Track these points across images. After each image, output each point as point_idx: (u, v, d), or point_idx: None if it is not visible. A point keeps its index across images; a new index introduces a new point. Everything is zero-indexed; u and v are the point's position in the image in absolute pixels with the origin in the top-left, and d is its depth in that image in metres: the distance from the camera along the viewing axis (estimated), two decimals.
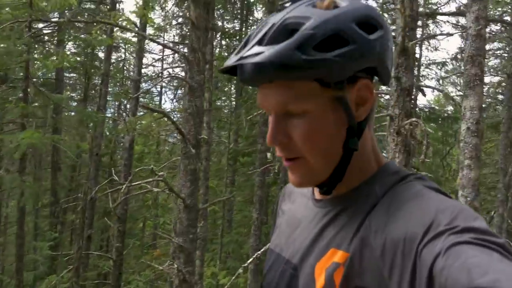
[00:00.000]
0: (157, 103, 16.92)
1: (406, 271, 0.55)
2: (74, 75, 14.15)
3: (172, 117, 8.06)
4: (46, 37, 10.32)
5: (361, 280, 0.62)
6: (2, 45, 6.63)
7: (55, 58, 7.39)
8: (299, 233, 0.79)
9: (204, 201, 8.34)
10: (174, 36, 14.56)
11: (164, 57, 15.22)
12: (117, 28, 8.53)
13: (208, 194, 9.26)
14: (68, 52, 10.36)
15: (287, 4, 0.71)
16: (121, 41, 11.81)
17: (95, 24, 7.09)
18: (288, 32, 0.64)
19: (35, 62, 7.63)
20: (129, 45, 12.93)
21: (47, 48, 9.74)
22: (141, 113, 11.18)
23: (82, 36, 10.21)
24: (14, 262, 8.26)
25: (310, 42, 0.62)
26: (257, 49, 0.64)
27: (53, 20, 7.04)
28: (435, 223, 0.55)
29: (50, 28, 9.45)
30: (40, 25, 8.55)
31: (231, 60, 0.67)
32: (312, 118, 0.67)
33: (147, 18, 8.57)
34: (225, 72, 0.71)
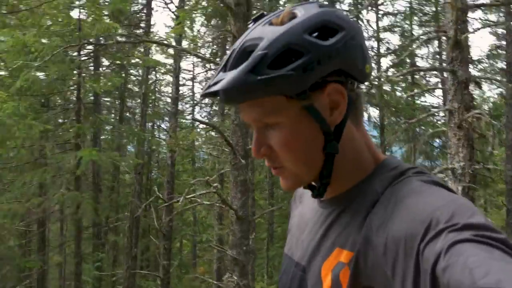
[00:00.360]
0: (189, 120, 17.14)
1: (409, 270, 0.55)
2: (109, 98, 14.55)
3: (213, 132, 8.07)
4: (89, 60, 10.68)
5: (367, 280, 0.63)
6: (54, 70, 6.90)
7: (103, 80, 7.62)
8: (306, 235, 0.80)
9: (251, 213, 8.29)
10: (205, 54, 14.87)
11: (195, 75, 15.51)
12: (154, 48, 8.74)
13: (255, 206, 9.20)
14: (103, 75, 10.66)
15: (250, 25, 0.73)
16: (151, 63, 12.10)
17: (140, 44, 7.27)
18: (246, 55, 0.67)
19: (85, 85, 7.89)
20: (159, 67, 13.24)
21: (91, 72, 10.07)
22: (179, 129, 11.33)
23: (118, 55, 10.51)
24: (72, 281, 8.33)
25: (263, 62, 0.65)
26: (221, 75, 0.68)
27: (102, 42, 7.26)
28: (435, 220, 0.55)
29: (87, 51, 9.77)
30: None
31: (204, 88, 0.71)
32: (285, 129, 0.69)
33: (184, 35, 8.76)
34: (207, 97, 0.81)
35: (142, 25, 11.69)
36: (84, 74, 8.29)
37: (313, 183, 0.76)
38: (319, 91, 0.69)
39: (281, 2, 10.95)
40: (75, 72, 6.95)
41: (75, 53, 7.88)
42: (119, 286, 9.91)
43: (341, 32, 0.68)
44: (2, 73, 7.13)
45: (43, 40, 6.92)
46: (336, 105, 0.70)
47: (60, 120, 7.93)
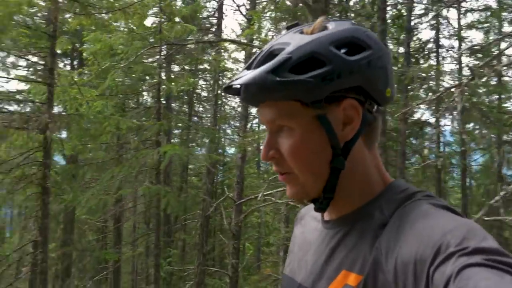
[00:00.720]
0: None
1: None
2: (178, 103, 15.15)
3: None
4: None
5: None
6: (138, 70, 7.29)
7: (181, 81, 7.95)
8: (310, 256, 0.79)
9: None
10: None
11: None
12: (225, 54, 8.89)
13: None
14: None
15: (283, 32, 0.76)
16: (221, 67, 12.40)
17: (212, 47, 7.45)
18: (272, 57, 0.69)
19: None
20: (226, 72, 13.54)
21: (169, 73, 10.56)
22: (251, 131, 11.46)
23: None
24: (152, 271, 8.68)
25: (285, 65, 0.66)
26: (245, 72, 0.70)
27: (183, 43, 7.59)
28: (445, 244, 0.54)
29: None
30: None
31: (228, 83, 0.73)
32: (296, 135, 0.70)
33: (256, 36, 8.87)
34: (229, 93, 0.77)
35: (213, 29, 12.03)
36: (163, 75, 8.74)
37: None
38: (335, 104, 0.69)
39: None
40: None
41: (156, 56, 8.28)
42: (189, 282, 10.18)
43: (367, 51, 0.69)
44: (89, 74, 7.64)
45: (126, 43, 7.34)
46: (350, 121, 0.70)
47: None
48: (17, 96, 8.04)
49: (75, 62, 11.77)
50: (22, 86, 7.02)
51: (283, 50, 0.68)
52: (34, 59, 7.03)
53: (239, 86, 0.71)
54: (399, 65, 9.93)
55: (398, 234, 0.63)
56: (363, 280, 0.64)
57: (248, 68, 0.71)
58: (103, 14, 5.87)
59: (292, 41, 0.69)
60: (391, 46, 10.85)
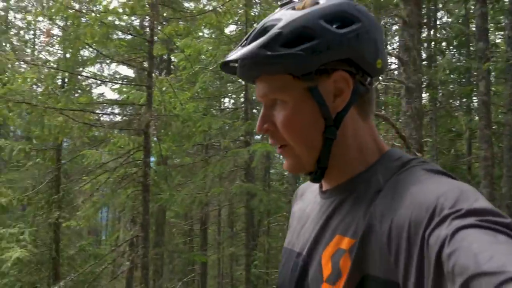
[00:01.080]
0: None
1: (413, 257, 0.56)
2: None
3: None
4: None
5: (368, 268, 0.63)
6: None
7: None
8: (307, 226, 0.82)
9: None
10: None
11: None
12: None
13: None
14: None
15: (277, 10, 0.77)
16: None
17: None
18: (265, 33, 0.71)
19: None
20: None
21: None
22: None
23: None
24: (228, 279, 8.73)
25: (277, 40, 0.69)
26: (238, 49, 0.74)
27: None
28: (439, 207, 0.56)
29: None
30: None
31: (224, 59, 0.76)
32: (289, 107, 0.72)
33: None
34: (226, 71, 0.81)
35: None
36: None
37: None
38: (325, 76, 0.71)
39: None
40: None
41: None
42: (272, 286, 10.15)
43: (356, 24, 0.71)
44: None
45: (214, 46, 7.58)
46: (340, 93, 0.72)
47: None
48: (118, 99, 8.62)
49: (160, 67, 12.46)
50: (121, 92, 7.51)
51: (275, 26, 0.70)
52: (130, 65, 7.55)
53: (234, 61, 0.73)
54: (499, 51, 9.08)
55: (393, 199, 0.64)
56: (356, 243, 0.65)
57: (243, 45, 0.73)
58: (197, 17, 6.08)
59: (283, 17, 0.71)
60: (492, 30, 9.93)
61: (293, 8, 0.74)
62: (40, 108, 5.48)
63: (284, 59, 0.69)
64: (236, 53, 0.73)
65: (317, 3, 0.73)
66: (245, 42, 0.74)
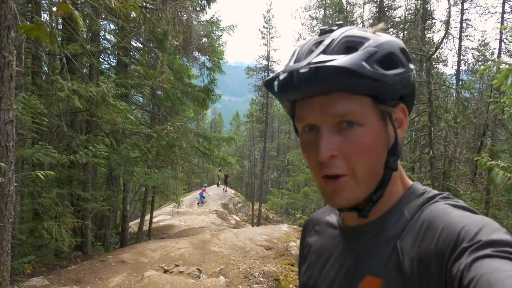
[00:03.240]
0: None
1: None
2: None
3: None
4: None
5: None
6: None
7: None
8: (332, 264, 0.79)
9: None
10: None
11: None
12: None
13: None
14: None
15: (335, 28, 0.72)
16: None
17: None
18: (346, 48, 0.66)
19: None
20: None
21: None
22: None
23: None
24: None
25: (374, 58, 0.66)
26: (324, 57, 0.65)
27: None
28: (460, 240, 0.58)
29: None
30: None
31: (295, 67, 0.66)
32: (365, 132, 0.67)
33: None
34: (265, 85, 0.71)
35: None
36: None
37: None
38: (395, 106, 0.71)
39: None
40: None
41: None
42: None
43: (412, 64, 0.72)
44: None
45: None
46: (400, 124, 0.72)
47: None
48: None
49: None
50: None
51: (360, 43, 0.67)
52: None
53: (327, 67, 0.63)
54: None
55: (417, 234, 0.65)
56: (385, 283, 0.66)
57: (324, 53, 0.66)
58: None
59: (368, 36, 0.69)
60: None
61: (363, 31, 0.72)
62: None
63: (381, 80, 0.65)
64: (337, 61, 0.63)
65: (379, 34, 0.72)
66: (323, 51, 0.66)
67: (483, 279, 0.50)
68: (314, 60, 0.65)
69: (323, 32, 0.72)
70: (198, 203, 23.68)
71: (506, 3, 17.05)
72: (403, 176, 0.77)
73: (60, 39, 7.82)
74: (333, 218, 0.88)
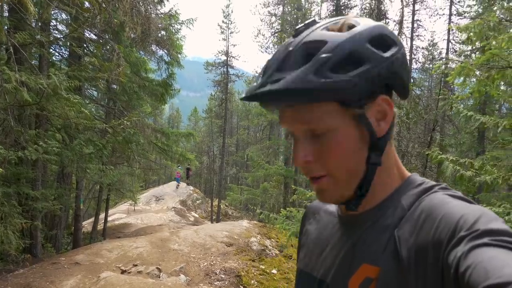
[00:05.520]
0: None
1: (436, 279, 0.58)
2: None
3: None
4: None
5: None
6: None
7: None
8: (329, 251, 0.80)
9: None
10: None
11: None
12: None
13: None
14: None
15: (301, 29, 0.71)
16: None
17: None
18: (306, 56, 0.65)
19: None
20: None
21: None
22: None
23: None
24: None
25: (326, 65, 0.64)
26: (277, 75, 0.65)
27: None
28: (458, 228, 0.58)
29: None
30: None
31: (252, 89, 0.67)
32: (336, 136, 0.68)
33: None
34: (248, 100, 0.70)
35: None
36: None
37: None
38: (371, 100, 0.69)
39: None
40: None
41: None
42: None
43: (395, 47, 0.69)
44: None
45: None
46: (384, 116, 0.70)
47: None
48: None
49: None
50: None
51: (319, 49, 0.65)
52: None
53: (275, 91, 0.64)
54: None
55: (415, 223, 0.65)
56: (382, 271, 0.66)
57: (279, 70, 0.66)
58: None
59: (326, 38, 0.66)
60: None
61: (328, 29, 0.69)
62: None
63: (337, 86, 0.64)
64: (281, 82, 0.64)
65: (353, 25, 0.69)
66: (278, 67, 0.67)
67: (480, 267, 0.50)
68: (266, 81, 0.66)
69: (297, 34, 0.71)
70: (177, 187, 25.67)
71: (453, 6, 17.97)
72: (400, 167, 0.77)
73: (6, 27, 7.28)
74: (332, 206, 0.89)
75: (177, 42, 12.27)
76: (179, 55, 12.42)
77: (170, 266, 7.58)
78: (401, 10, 13.02)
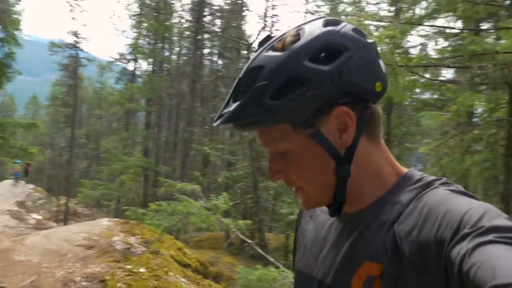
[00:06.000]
0: None
1: (439, 275, 0.58)
2: None
3: None
4: None
5: None
6: None
7: None
8: (328, 251, 0.79)
9: None
10: None
11: None
12: None
13: None
14: None
15: (256, 48, 0.73)
16: None
17: None
18: (250, 84, 0.67)
19: None
20: None
21: None
22: None
23: None
24: None
25: (264, 93, 0.65)
26: (228, 106, 0.69)
27: None
28: (462, 225, 0.58)
29: None
30: None
31: (217, 116, 0.72)
32: (295, 156, 0.70)
33: None
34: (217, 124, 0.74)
35: None
36: None
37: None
38: (326, 115, 0.68)
39: None
40: None
41: None
42: None
43: (345, 53, 0.67)
44: None
45: None
46: (345, 127, 0.69)
47: None
48: None
49: None
50: None
51: (258, 75, 0.66)
52: None
53: (226, 122, 0.68)
54: None
55: (416, 220, 0.65)
56: (385, 268, 0.65)
57: (234, 99, 0.68)
58: None
59: (265, 63, 0.66)
60: None
61: (273, 48, 0.68)
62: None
63: (278, 112, 0.65)
64: (224, 116, 0.68)
65: (298, 38, 0.67)
66: (233, 97, 0.69)
67: (487, 265, 0.49)
68: (223, 113, 0.69)
69: (261, 43, 0.72)
70: (14, 183, 22.39)
71: (308, 4, 19.74)
72: (394, 164, 0.75)
73: None
74: None
75: (14, 16, 10.40)
76: (15, 32, 10.56)
77: (17, 281, 6.44)
78: (266, 2, 13.59)
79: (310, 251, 0.84)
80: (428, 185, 0.70)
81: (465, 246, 0.54)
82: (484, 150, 6.18)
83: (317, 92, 0.65)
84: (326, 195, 0.72)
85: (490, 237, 0.53)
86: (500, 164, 5.64)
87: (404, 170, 0.76)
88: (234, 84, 0.70)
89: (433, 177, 0.72)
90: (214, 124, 0.71)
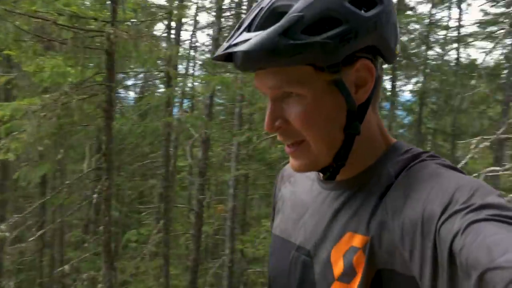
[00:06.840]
0: None
1: (427, 252, 0.56)
2: None
3: None
4: None
5: (383, 263, 0.62)
6: None
7: None
8: (309, 218, 0.77)
9: None
10: None
11: None
12: None
13: None
14: None
15: None
16: None
17: None
18: (277, 16, 0.62)
19: None
20: None
21: None
22: None
23: None
24: None
25: (297, 26, 0.60)
26: (245, 35, 0.63)
27: None
28: (453, 201, 0.55)
29: None
30: None
31: (222, 48, 0.65)
32: (308, 102, 0.65)
33: None
34: (219, 59, 0.68)
35: None
36: None
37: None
38: (349, 65, 0.65)
39: None
40: None
41: None
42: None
43: (380, 5, 0.65)
44: None
45: None
46: (364, 83, 0.67)
47: None
48: None
49: None
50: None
51: (291, 7, 0.61)
52: None
53: (239, 52, 0.63)
54: None
55: (405, 193, 0.62)
56: (369, 241, 0.63)
57: (248, 29, 0.64)
58: None
59: None
60: None
61: None
62: None
63: (309, 49, 0.61)
64: (247, 43, 0.61)
65: None
66: (249, 27, 0.64)
67: (480, 243, 0.48)
68: (234, 42, 0.64)
69: None
70: None
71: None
72: (385, 134, 0.74)
73: None
74: None
75: None
76: None
77: None
78: None
79: (289, 216, 0.83)
80: (416, 157, 0.68)
81: (457, 223, 0.52)
82: None
83: (353, 37, 0.62)
84: (330, 152, 0.68)
85: (483, 214, 0.51)
86: None
87: (393, 140, 0.74)
88: (251, 15, 0.65)
89: (420, 150, 0.71)
90: (219, 53, 0.65)
